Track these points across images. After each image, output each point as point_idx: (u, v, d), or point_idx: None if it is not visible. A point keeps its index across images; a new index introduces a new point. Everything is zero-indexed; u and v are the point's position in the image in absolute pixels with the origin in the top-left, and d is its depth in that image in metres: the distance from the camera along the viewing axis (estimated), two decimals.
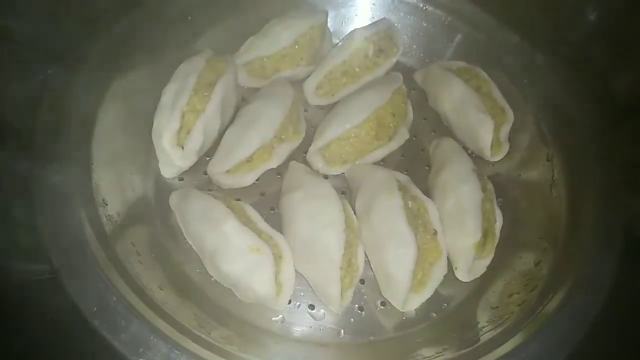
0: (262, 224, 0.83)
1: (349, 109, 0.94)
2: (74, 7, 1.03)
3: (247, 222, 0.80)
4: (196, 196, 0.82)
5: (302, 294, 0.83)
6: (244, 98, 1.05)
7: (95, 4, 0.96)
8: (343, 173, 0.96)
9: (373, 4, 1.15)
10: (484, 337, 0.76)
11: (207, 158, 0.94)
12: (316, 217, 0.80)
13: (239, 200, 0.88)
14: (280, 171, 0.95)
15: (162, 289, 0.73)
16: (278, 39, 1.01)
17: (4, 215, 0.72)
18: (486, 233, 0.86)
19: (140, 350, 0.61)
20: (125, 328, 0.62)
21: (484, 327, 0.78)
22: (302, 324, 0.81)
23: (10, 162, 0.80)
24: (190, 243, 0.83)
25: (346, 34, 1.10)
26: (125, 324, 0.63)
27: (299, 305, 0.82)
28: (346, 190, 0.95)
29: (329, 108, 1.04)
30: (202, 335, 0.68)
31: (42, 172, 0.72)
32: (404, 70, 1.11)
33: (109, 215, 0.77)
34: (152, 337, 0.62)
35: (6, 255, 0.71)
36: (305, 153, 0.97)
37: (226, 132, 0.91)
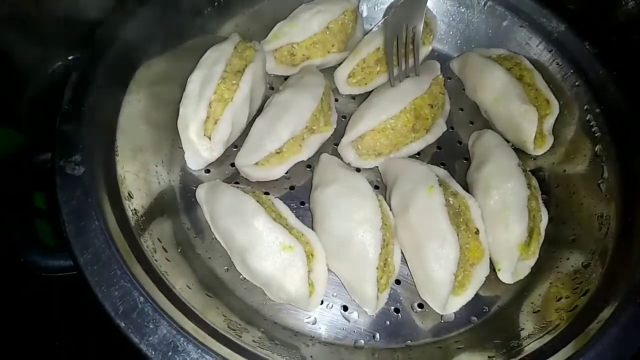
0: (293, 220, 0.78)
1: (385, 99, 0.89)
2: None
3: (277, 218, 0.76)
4: (225, 190, 0.78)
5: (334, 294, 0.79)
6: (272, 86, 1.00)
7: None
8: (376, 166, 0.91)
9: None
10: (531, 346, 0.70)
11: (234, 149, 0.90)
12: (351, 213, 0.75)
13: (267, 194, 0.84)
14: (310, 163, 0.90)
15: (190, 288, 0.70)
16: (308, 25, 0.96)
17: (26, 209, 0.69)
18: (531, 232, 0.81)
19: (170, 354, 0.58)
20: (154, 331, 0.59)
21: (530, 334, 0.73)
22: (335, 326, 0.76)
23: (32, 152, 0.77)
24: (218, 239, 0.79)
25: (379, 19, 1.04)
26: (154, 326, 0.59)
27: (331, 306, 0.78)
28: (379, 185, 0.91)
29: (361, 98, 0.99)
30: (233, 339, 0.64)
31: (66, 164, 0.68)
32: (439, 58, 1.05)
33: (134, 209, 0.73)
34: (182, 341, 0.58)
35: (28, 250, 0.68)
36: (336, 145, 0.93)
37: (255, 123, 0.86)
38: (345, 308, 0.78)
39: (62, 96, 0.80)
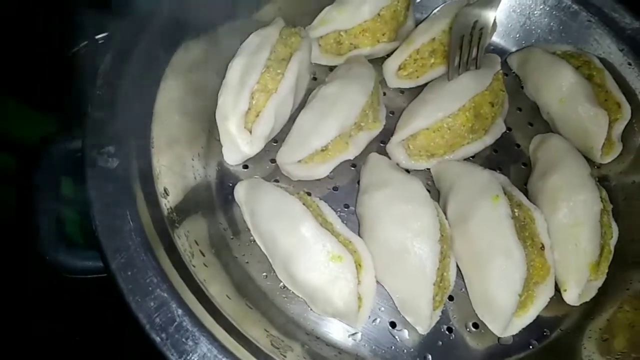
0: (340, 226, 0.72)
1: (442, 95, 0.81)
2: None
3: (324, 223, 0.69)
4: (268, 190, 0.71)
5: (382, 308, 0.72)
6: (315, 77, 0.93)
7: None
8: (427, 169, 0.84)
9: None
10: None
11: (274, 143, 0.83)
12: (406, 222, 0.68)
13: (309, 194, 0.78)
14: (355, 163, 0.83)
15: (229, 298, 0.63)
16: (359, 11, 0.88)
17: (55, 205, 0.63)
18: (601, 250, 0.73)
19: None
20: (193, 348, 0.52)
21: None
22: (382, 344, 0.70)
23: (61, 139, 0.71)
24: (257, 242, 0.72)
25: (432, 8, 0.96)
26: (193, 343, 0.53)
27: (378, 322, 0.72)
28: (430, 189, 0.83)
29: (410, 92, 0.91)
30: (277, 359, 0.58)
31: (98, 155, 0.62)
32: (496, 52, 0.97)
33: (170, 207, 0.67)
34: None
35: (57, 250, 0.62)
36: (384, 143, 0.85)
37: (299, 117, 0.79)
38: (393, 324, 0.71)
39: (88, 78, 0.73)
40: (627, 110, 0.86)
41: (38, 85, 1.02)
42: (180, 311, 0.54)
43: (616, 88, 0.87)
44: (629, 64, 0.91)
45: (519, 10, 1.00)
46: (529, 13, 0.99)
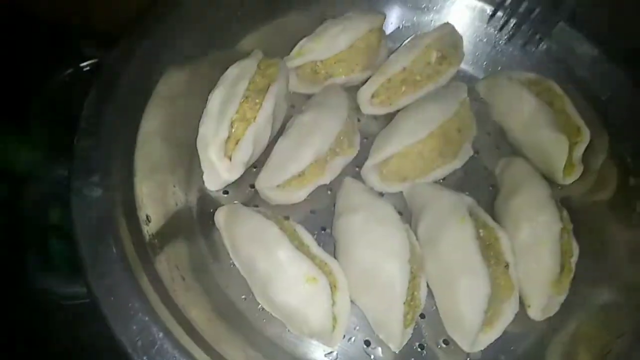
0: (316, 249, 0.75)
1: (412, 121, 0.86)
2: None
3: (300, 246, 0.73)
4: (246, 215, 0.75)
5: (356, 327, 0.75)
6: (293, 104, 0.97)
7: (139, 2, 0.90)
8: (400, 191, 0.88)
9: (434, 7, 1.06)
10: None
11: (254, 169, 0.87)
12: (378, 244, 0.72)
13: (287, 218, 0.81)
14: (331, 187, 0.87)
15: (209, 321, 0.66)
16: (334, 42, 0.93)
17: (41, 233, 0.65)
18: (562, 267, 0.78)
19: None
20: None
21: None
22: None
23: (49, 166, 0.73)
24: (237, 265, 0.76)
25: (404, 38, 1.01)
26: None
27: (354, 340, 0.75)
28: (403, 211, 0.87)
29: (383, 118, 0.96)
30: None
31: (83, 185, 0.65)
32: (465, 79, 1.02)
33: (152, 233, 0.70)
34: None
35: (42, 275, 0.64)
36: (358, 167, 0.89)
37: (277, 144, 0.83)
38: (367, 343, 0.74)
39: (74, 104, 0.77)
40: (586, 134, 0.91)
41: (23, 113, 1.04)
42: (161, 334, 0.57)
43: (575, 113, 0.92)
44: (589, 89, 0.96)
45: (485, 40, 1.06)
46: (495, 42, 1.05)
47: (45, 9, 1.13)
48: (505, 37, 1.03)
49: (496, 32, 1.05)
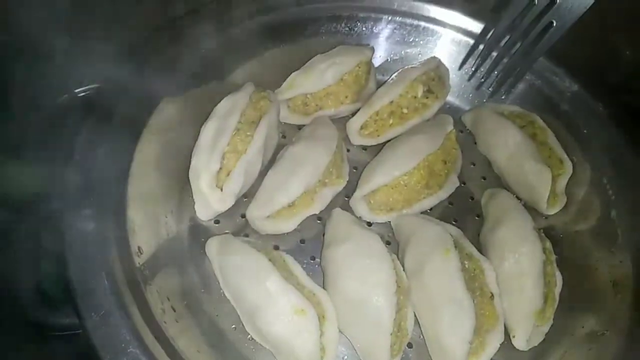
0: (305, 279, 0.76)
1: (398, 154, 0.88)
2: (110, 35, 1.00)
3: (289, 277, 0.74)
4: (236, 246, 0.76)
5: (344, 357, 0.77)
6: (284, 135, 1.00)
7: (134, 35, 0.93)
8: (388, 221, 0.90)
9: (420, 42, 1.10)
10: None
11: (245, 199, 0.89)
12: (365, 276, 0.74)
13: (277, 247, 0.83)
14: (320, 216, 0.89)
15: (199, 352, 0.67)
16: (323, 76, 0.96)
17: (33, 264, 0.66)
18: (546, 298, 0.80)
19: None
20: None
21: None
22: None
23: (40, 205, 0.75)
24: (227, 295, 0.77)
25: (392, 71, 1.05)
26: None
27: None
28: (391, 240, 0.89)
29: (372, 149, 0.98)
30: None
31: (76, 219, 0.66)
32: (451, 111, 1.06)
33: (143, 264, 0.71)
34: None
35: (34, 307, 0.65)
36: (347, 197, 0.92)
37: (267, 176, 0.85)
38: None
39: (67, 131, 0.78)
40: (569, 166, 0.94)
41: (18, 139, 1.05)
42: None
43: (558, 145, 0.95)
44: (570, 123, 1.00)
45: (471, 73, 1.09)
46: (480, 76, 1.08)
47: None
48: (475, 85, 1.05)
49: (481, 66, 1.08)
